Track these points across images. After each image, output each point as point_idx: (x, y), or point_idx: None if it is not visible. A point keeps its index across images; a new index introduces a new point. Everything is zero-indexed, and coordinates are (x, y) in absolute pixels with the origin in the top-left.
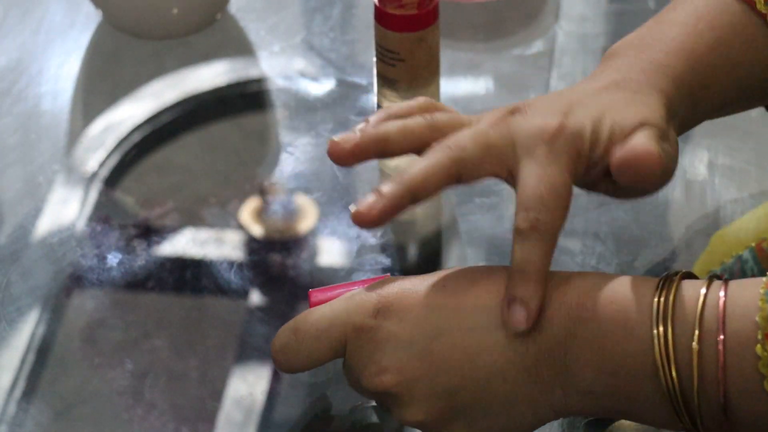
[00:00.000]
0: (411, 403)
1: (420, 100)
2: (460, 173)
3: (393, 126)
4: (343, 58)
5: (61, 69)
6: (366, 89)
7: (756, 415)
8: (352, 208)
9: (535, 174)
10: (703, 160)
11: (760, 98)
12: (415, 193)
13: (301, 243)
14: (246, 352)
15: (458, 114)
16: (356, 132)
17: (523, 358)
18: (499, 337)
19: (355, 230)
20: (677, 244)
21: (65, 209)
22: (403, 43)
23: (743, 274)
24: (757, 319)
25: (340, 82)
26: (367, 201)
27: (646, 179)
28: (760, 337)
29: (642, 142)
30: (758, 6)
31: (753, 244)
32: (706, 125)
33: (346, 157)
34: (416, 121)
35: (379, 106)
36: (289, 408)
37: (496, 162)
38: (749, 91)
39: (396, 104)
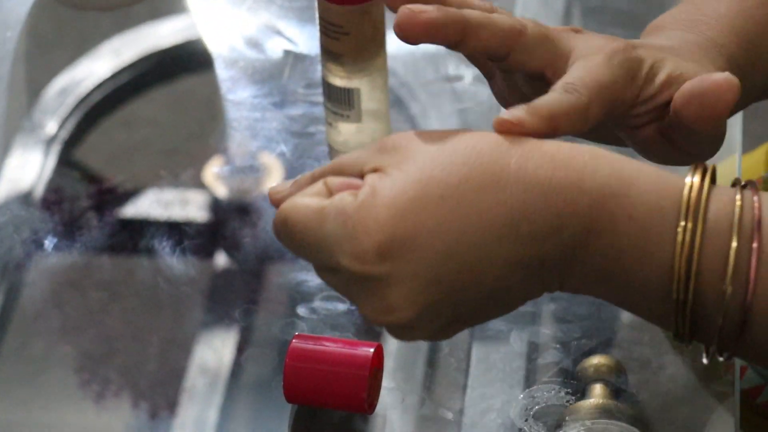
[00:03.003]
0: (416, 329)
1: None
2: (512, 48)
3: (477, 14)
4: (291, 27)
5: (3, 46)
6: (314, 60)
7: None
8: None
9: (585, 68)
10: None
11: None
12: (466, 28)
13: (264, 206)
14: (212, 318)
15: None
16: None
17: (527, 267)
18: (504, 253)
19: None
20: None
21: (23, 175)
22: (346, 17)
23: None
24: None
25: (288, 53)
26: (418, 6)
27: (716, 114)
28: None
29: (721, 73)
30: None
31: None
32: None
33: (416, 32)
34: (504, 18)
35: (324, 81)
36: (255, 375)
37: (549, 56)
38: None
39: None
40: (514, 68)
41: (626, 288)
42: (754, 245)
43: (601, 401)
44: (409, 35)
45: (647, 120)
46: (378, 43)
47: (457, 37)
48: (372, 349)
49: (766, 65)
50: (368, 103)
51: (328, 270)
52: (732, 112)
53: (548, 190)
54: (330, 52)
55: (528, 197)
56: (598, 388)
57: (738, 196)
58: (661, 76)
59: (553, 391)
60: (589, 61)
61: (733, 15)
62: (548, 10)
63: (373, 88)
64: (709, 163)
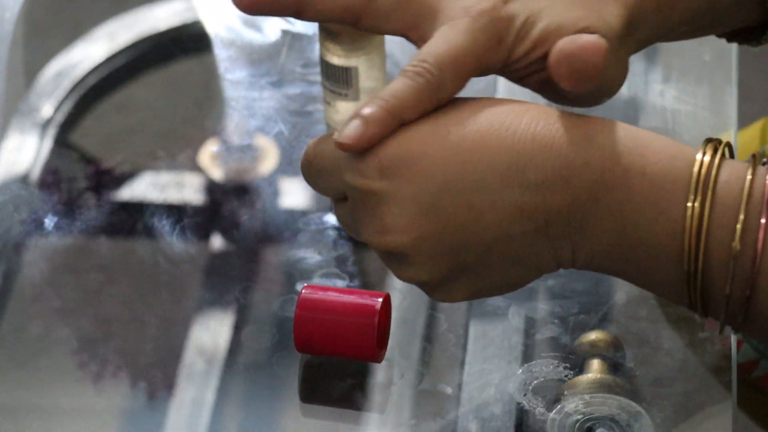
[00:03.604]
0: (414, 262)
1: None
2: (361, 14)
3: None
4: None
5: (1, 21)
6: (311, 39)
7: None
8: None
9: (445, 37)
10: (656, 107)
11: (728, 19)
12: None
13: (261, 187)
14: (207, 301)
15: None
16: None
17: (531, 218)
18: (507, 197)
19: (305, 182)
20: None
21: (19, 159)
22: None
23: None
24: None
25: (285, 33)
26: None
27: (585, 76)
28: None
29: (589, 36)
30: None
31: None
32: (659, 70)
33: (246, 4)
34: None
35: (322, 60)
36: (255, 351)
37: (410, 18)
38: (717, 9)
39: None
40: (370, 32)
41: (639, 252)
42: (763, 220)
43: (599, 376)
44: (242, 8)
45: (527, 73)
46: None
47: (292, 8)
48: (380, 298)
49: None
50: (366, 81)
51: (340, 200)
52: (642, 47)
53: (560, 141)
54: (328, 31)
55: (537, 146)
56: (595, 363)
57: (749, 171)
58: (534, 33)
59: (551, 366)
60: (450, 29)
61: None
62: None
63: (370, 66)
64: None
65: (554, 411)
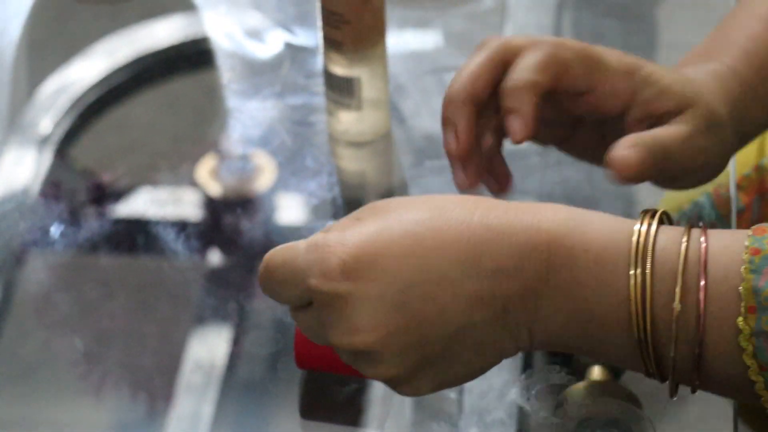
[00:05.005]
0: (383, 359)
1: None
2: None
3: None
4: (290, 19)
5: (3, 36)
6: (314, 51)
7: (728, 376)
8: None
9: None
10: None
11: None
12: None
13: (258, 202)
14: (205, 315)
15: None
16: (635, 147)
17: (491, 306)
18: (467, 287)
19: (307, 191)
20: (630, 201)
21: (18, 174)
22: (347, 5)
23: (700, 218)
24: (740, 289)
25: (288, 45)
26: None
27: (620, 179)
28: (742, 310)
29: (632, 142)
30: None
31: (710, 189)
32: None
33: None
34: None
35: (325, 70)
36: (249, 371)
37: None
38: None
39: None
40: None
41: (591, 326)
42: (702, 282)
43: (600, 381)
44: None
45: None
46: (378, 32)
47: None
48: None
49: None
50: (369, 91)
51: (303, 308)
52: (747, 141)
53: (509, 229)
54: (331, 41)
55: (490, 236)
56: (596, 370)
57: (684, 238)
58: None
59: (553, 372)
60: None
61: (745, 41)
62: (540, 5)
63: (373, 76)
64: None
65: (557, 415)
